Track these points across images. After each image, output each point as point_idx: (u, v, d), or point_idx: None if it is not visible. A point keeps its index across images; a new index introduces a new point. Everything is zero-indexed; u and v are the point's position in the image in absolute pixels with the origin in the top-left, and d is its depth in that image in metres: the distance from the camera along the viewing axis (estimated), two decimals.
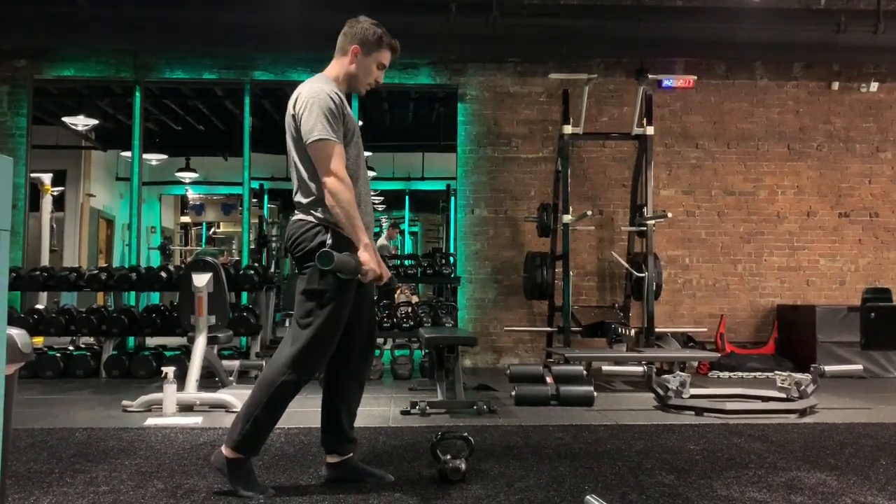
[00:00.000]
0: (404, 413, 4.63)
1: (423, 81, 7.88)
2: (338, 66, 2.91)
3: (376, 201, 13.35)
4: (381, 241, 10.97)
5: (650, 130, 6.85)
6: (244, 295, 7.56)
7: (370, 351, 3.00)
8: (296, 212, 2.84)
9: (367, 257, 2.65)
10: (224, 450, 2.73)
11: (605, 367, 5.27)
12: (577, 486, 2.89)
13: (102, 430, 4.04)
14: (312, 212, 2.75)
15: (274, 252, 13.10)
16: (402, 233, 13.27)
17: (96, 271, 6.98)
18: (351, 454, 2.95)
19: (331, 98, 2.71)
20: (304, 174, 2.75)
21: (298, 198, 2.80)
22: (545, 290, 7.14)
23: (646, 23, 6.88)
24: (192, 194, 13.87)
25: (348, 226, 2.66)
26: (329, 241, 2.69)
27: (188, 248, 14.51)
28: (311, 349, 2.71)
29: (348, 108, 2.82)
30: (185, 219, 14.64)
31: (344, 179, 2.65)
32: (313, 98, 2.70)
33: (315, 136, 2.66)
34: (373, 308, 3.06)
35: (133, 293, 7.47)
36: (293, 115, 2.75)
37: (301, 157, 2.76)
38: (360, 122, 9.08)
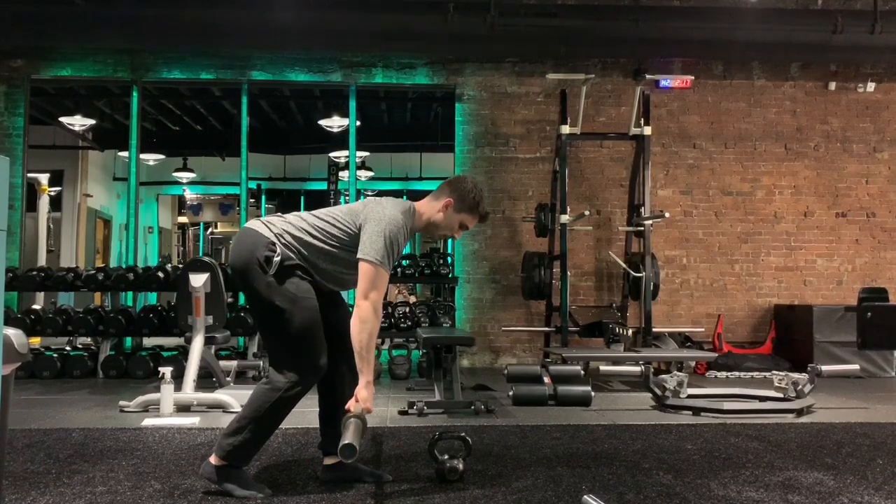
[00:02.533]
0: (402, 413, 4.63)
1: (420, 81, 7.88)
2: (428, 206, 2.94)
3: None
4: None
5: (648, 130, 6.86)
6: (241, 295, 7.55)
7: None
8: (262, 223, 2.80)
9: (365, 395, 2.63)
10: (213, 459, 2.73)
11: (603, 367, 5.27)
12: (575, 485, 2.89)
13: (99, 430, 4.03)
14: (290, 241, 2.74)
15: None
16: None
17: (93, 271, 6.98)
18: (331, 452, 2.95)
19: (402, 233, 2.76)
20: (326, 246, 2.77)
21: (282, 225, 2.79)
22: (543, 290, 7.14)
23: (643, 23, 6.89)
24: (190, 194, 13.85)
25: (362, 355, 2.64)
26: (276, 259, 2.68)
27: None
28: (299, 351, 2.71)
29: (406, 240, 2.86)
30: (183, 219, 14.62)
31: (378, 311, 2.67)
32: (390, 226, 2.72)
33: (372, 258, 2.66)
34: (344, 306, 3.06)
35: (130, 293, 7.46)
36: (364, 216, 2.76)
37: (336, 228, 2.77)
38: (359, 123, 9.03)
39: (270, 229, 2.77)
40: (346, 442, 2.43)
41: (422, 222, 2.92)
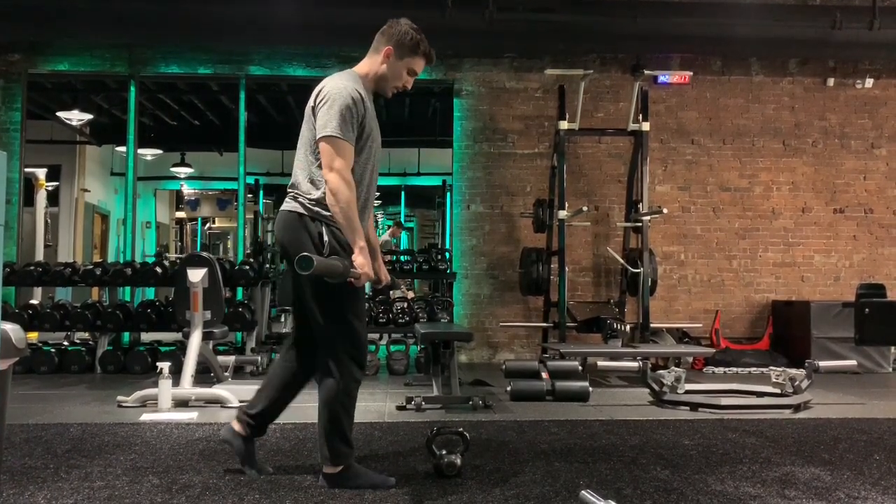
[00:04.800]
0: (400, 408, 4.64)
1: (419, 76, 7.84)
2: (369, 63, 2.89)
3: None
4: (384, 237, 11.00)
5: (646, 126, 6.85)
6: (239, 290, 7.55)
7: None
8: (288, 202, 2.81)
9: (361, 261, 2.63)
10: (326, 468, 2.76)
11: (601, 363, 5.28)
12: (572, 481, 2.90)
13: (97, 425, 4.03)
14: (304, 208, 2.74)
15: (269, 247, 13.09)
16: (405, 229, 13.27)
17: (91, 266, 6.97)
18: (256, 437, 2.99)
19: (352, 97, 2.70)
20: (313, 166, 2.75)
21: (292, 191, 2.79)
22: (541, 285, 7.14)
23: (642, 18, 6.87)
24: (188, 189, 13.83)
25: (346, 227, 2.65)
26: (326, 238, 2.69)
27: (184, 256, 14.47)
28: (352, 344, 2.72)
29: (370, 107, 2.81)
30: (181, 214, 14.60)
31: (346, 179, 2.64)
32: (335, 94, 2.69)
33: (327, 132, 2.65)
34: None
35: (128, 288, 7.46)
36: (313, 108, 2.75)
37: (313, 150, 2.75)
38: None
39: (301, 201, 2.74)
40: (307, 255, 2.40)
41: (370, 82, 2.87)
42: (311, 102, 2.78)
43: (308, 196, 2.75)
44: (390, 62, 2.86)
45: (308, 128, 2.78)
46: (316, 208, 2.73)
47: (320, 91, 2.75)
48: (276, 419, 3.04)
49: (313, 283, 2.71)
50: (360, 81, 2.82)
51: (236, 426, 2.95)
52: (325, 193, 2.70)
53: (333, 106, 2.67)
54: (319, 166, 2.72)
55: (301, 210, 2.74)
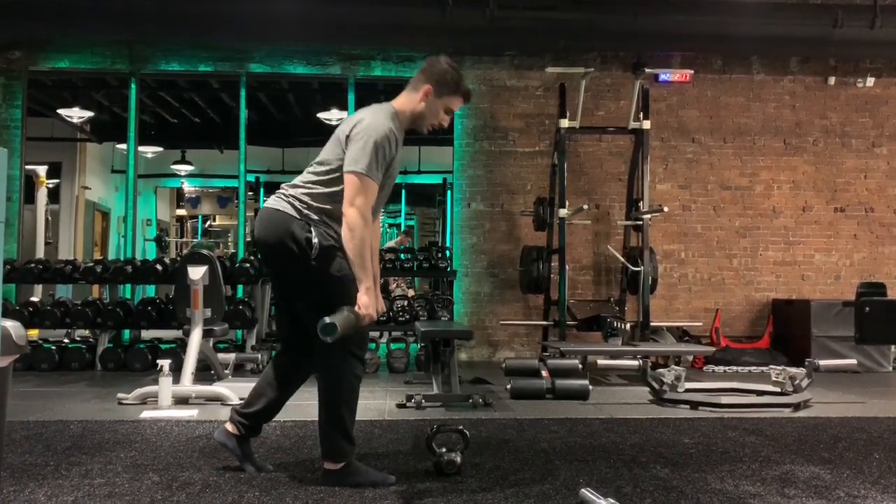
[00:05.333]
0: (400, 406, 4.64)
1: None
2: (407, 101, 2.89)
3: None
4: (391, 243, 11.05)
5: (647, 125, 6.85)
6: (240, 288, 7.55)
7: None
8: (278, 200, 2.79)
9: (366, 301, 2.63)
10: (327, 465, 2.77)
11: (601, 361, 5.29)
12: (572, 479, 2.90)
13: (98, 422, 4.03)
14: (294, 210, 2.73)
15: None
16: (412, 240, 13.29)
17: (92, 264, 6.97)
18: (251, 437, 3.00)
19: (387, 137, 2.70)
20: (319, 183, 2.76)
21: (295, 193, 2.78)
22: (541, 284, 7.14)
23: (643, 17, 6.87)
24: (188, 187, 13.83)
25: (356, 263, 2.64)
26: (315, 240, 2.68)
27: (184, 240, 14.49)
28: (352, 341, 2.72)
29: (400, 145, 2.82)
30: (181, 212, 14.61)
31: (365, 217, 2.64)
32: (372, 131, 2.68)
33: (357, 168, 2.64)
34: None
35: (128, 286, 7.46)
36: (348, 136, 2.73)
37: (327, 171, 2.76)
38: None
39: (293, 204, 2.74)
40: (329, 321, 2.39)
41: (406, 118, 2.87)
42: (345, 129, 2.77)
43: (302, 200, 2.74)
44: (429, 101, 2.87)
45: (333, 150, 2.78)
46: (306, 211, 2.73)
47: (357, 123, 2.74)
48: (272, 419, 3.05)
49: (310, 284, 2.71)
50: (396, 119, 2.83)
51: (229, 427, 2.95)
52: (316, 203, 2.72)
53: (368, 143, 2.66)
54: (326, 184, 2.73)
55: (290, 211, 2.73)
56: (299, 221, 2.72)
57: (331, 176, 2.76)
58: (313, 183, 2.78)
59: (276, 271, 2.87)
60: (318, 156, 2.85)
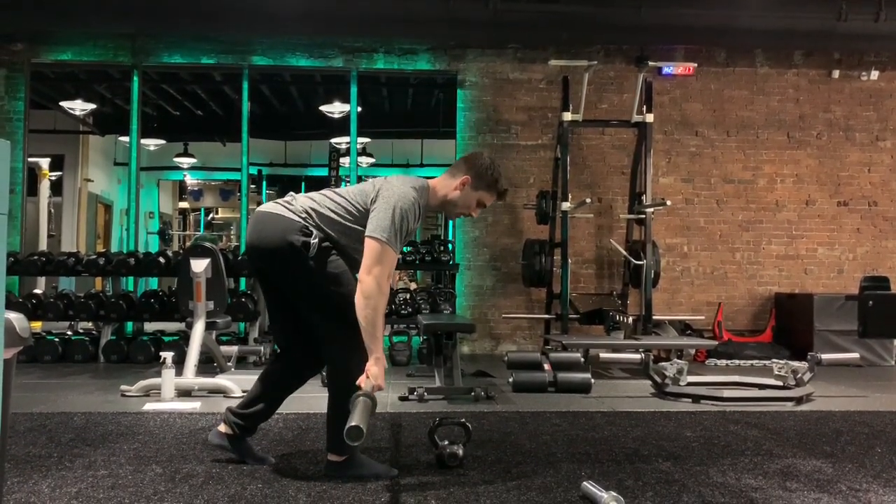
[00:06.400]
0: (402, 399, 4.65)
1: (422, 67, 7.85)
2: (444, 184, 2.88)
3: None
4: None
5: (650, 118, 6.83)
6: (242, 280, 7.55)
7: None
8: (279, 207, 2.77)
9: (375, 371, 2.59)
10: (331, 457, 2.77)
11: (603, 355, 5.28)
12: (574, 472, 2.91)
13: (101, 414, 4.04)
14: (304, 217, 2.72)
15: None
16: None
17: (94, 256, 6.98)
18: (246, 437, 2.99)
19: (414, 213, 2.70)
20: (327, 209, 2.75)
21: (297, 204, 2.76)
22: (543, 277, 7.14)
23: (646, 9, 6.85)
24: (191, 180, 13.84)
25: (368, 332, 2.60)
26: (313, 241, 2.66)
27: (187, 233, 14.51)
28: (357, 335, 2.70)
29: (421, 220, 2.81)
30: (184, 204, 14.62)
31: (381, 286, 2.61)
32: (401, 201, 2.67)
33: (380, 236, 2.62)
34: None
35: (131, 278, 7.47)
36: (375, 194, 2.72)
37: (339, 207, 2.75)
38: (360, 109, 8.99)
39: (292, 210, 2.73)
40: (354, 423, 2.36)
41: (437, 200, 2.87)
42: (373, 187, 2.76)
43: (309, 213, 2.72)
44: (465, 191, 2.86)
45: (358, 194, 2.76)
46: (308, 222, 2.70)
47: (389, 187, 2.73)
48: (267, 420, 3.05)
49: (309, 283, 2.71)
50: (426, 195, 2.81)
51: (222, 428, 2.95)
52: (324, 224, 2.70)
53: (396, 212, 2.65)
54: (340, 214, 2.72)
55: (290, 216, 2.71)
56: (299, 225, 2.69)
57: (345, 210, 2.74)
58: (328, 207, 2.75)
59: (274, 275, 2.82)
60: (342, 189, 2.84)
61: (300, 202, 2.77)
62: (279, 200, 2.84)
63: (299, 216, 2.71)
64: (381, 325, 2.64)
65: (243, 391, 4.49)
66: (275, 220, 2.73)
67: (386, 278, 2.64)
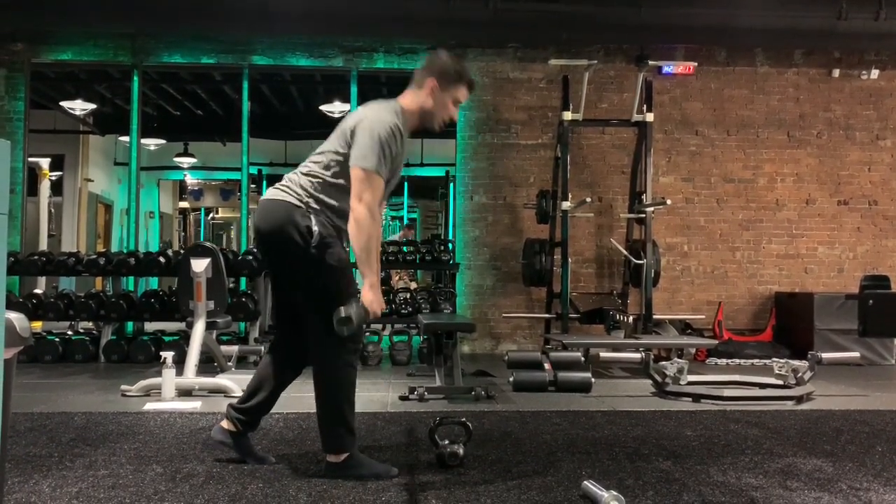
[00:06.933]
0: (402, 398, 4.64)
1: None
2: (413, 98, 2.87)
3: None
4: (394, 237, 11.06)
5: (650, 117, 6.83)
6: (243, 280, 7.56)
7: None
8: (280, 192, 2.78)
9: (370, 297, 2.62)
10: (330, 457, 2.77)
11: (603, 354, 5.28)
12: (575, 471, 2.91)
13: (101, 414, 4.05)
14: (299, 201, 2.72)
15: None
16: (414, 233, 13.31)
17: (95, 256, 6.98)
18: (248, 433, 3.00)
19: (394, 135, 2.69)
20: (320, 175, 2.75)
21: (296, 184, 2.78)
22: (544, 276, 7.14)
23: (646, 9, 6.85)
24: (191, 179, 13.84)
25: (362, 259, 2.63)
26: (315, 229, 2.68)
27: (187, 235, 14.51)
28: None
29: (405, 142, 2.80)
30: (184, 204, 14.61)
31: (373, 212, 2.64)
32: (378, 127, 2.67)
33: (364, 164, 2.64)
34: None
35: (131, 278, 7.47)
36: (352, 130, 2.72)
37: (327, 164, 2.75)
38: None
39: (291, 192, 2.74)
40: (345, 313, 2.41)
41: (414, 116, 2.86)
42: (350, 123, 2.76)
43: (304, 188, 2.74)
44: (436, 95, 2.84)
45: (336, 142, 2.76)
46: (307, 199, 2.72)
47: (363, 119, 2.73)
48: (269, 412, 3.05)
49: (308, 273, 2.72)
50: (402, 116, 2.80)
51: (226, 424, 2.95)
52: (318, 194, 2.72)
53: (375, 138, 2.65)
54: (328, 174, 2.73)
55: (292, 200, 2.73)
56: (300, 209, 2.71)
57: (333, 168, 2.76)
58: (316, 173, 2.78)
59: (276, 261, 2.85)
60: (321, 146, 2.85)
61: (295, 180, 2.78)
62: (279, 184, 2.84)
63: (298, 198, 2.73)
64: (376, 253, 2.67)
65: (243, 391, 4.50)
66: (276, 207, 2.75)
67: (377, 204, 2.66)
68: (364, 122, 2.71)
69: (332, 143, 2.80)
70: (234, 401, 3.01)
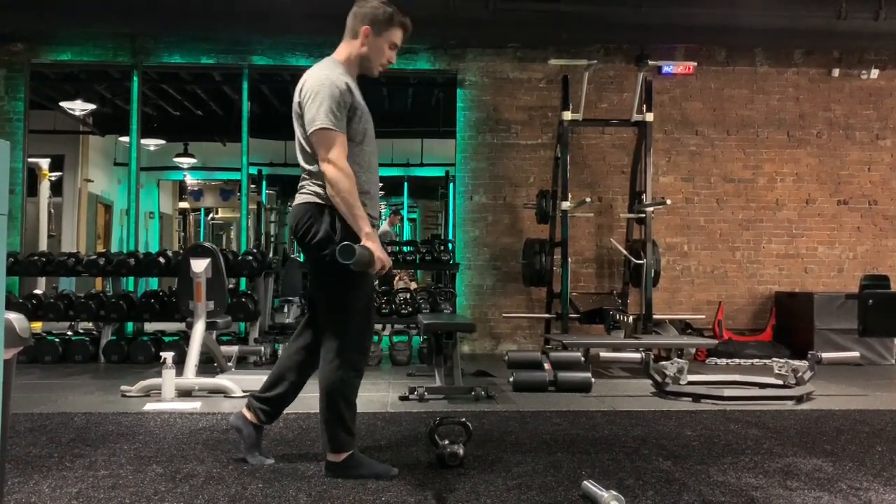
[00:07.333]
0: (403, 398, 4.65)
1: (422, 67, 7.85)
2: (348, 48, 2.87)
3: None
4: (384, 227, 10.99)
5: (650, 117, 6.83)
6: (243, 281, 7.56)
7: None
8: (301, 194, 2.82)
9: (372, 246, 2.61)
10: (330, 457, 2.77)
11: (603, 354, 5.28)
12: (575, 471, 2.91)
13: (101, 414, 4.05)
14: (318, 196, 2.74)
15: (272, 238, 13.10)
16: (402, 219, 13.29)
17: (95, 256, 6.98)
18: (267, 425, 3.01)
19: (337, 86, 2.68)
20: (310, 161, 2.76)
21: (305, 181, 2.80)
22: (544, 276, 7.14)
23: (646, 8, 6.84)
24: (191, 180, 13.84)
25: (349, 215, 2.64)
26: (338, 225, 2.69)
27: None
28: (356, 334, 2.74)
29: (357, 92, 2.79)
30: (184, 204, 14.61)
31: (343, 168, 2.63)
32: (319, 86, 2.68)
33: (317, 125, 2.64)
34: None
35: (131, 278, 7.47)
36: (299, 103, 2.75)
37: (308, 143, 2.75)
38: None
39: (311, 190, 2.75)
40: (348, 244, 2.44)
41: (352, 65, 2.85)
42: (296, 98, 2.77)
43: (312, 185, 2.76)
44: (370, 41, 2.84)
45: (300, 131, 2.77)
46: (322, 192, 2.73)
47: (304, 85, 2.75)
48: (290, 404, 3.02)
49: (324, 272, 2.73)
50: (342, 68, 2.81)
51: (248, 414, 2.95)
52: (319, 183, 2.72)
53: (319, 98, 2.66)
54: (312, 163, 2.74)
55: (316, 199, 2.74)
56: (319, 205, 2.72)
57: (310, 155, 2.76)
58: (308, 170, 2.79)
59: (305, 256, 2.91)
60: (297, 139, 2.84)
61: (303, 182, 2.80)
62: (300, 185, 2.85)
63: (311, 196, 2.74)
64: (359, 204, 2.65)
65: (244, 391, 4.50)
66: (296, 210, 2.80)
67: (343, 159, 2.65)
68: (304, 91, 2.72)
69: (298, 131, 2.80)
70: (258, 390, 3.00)
